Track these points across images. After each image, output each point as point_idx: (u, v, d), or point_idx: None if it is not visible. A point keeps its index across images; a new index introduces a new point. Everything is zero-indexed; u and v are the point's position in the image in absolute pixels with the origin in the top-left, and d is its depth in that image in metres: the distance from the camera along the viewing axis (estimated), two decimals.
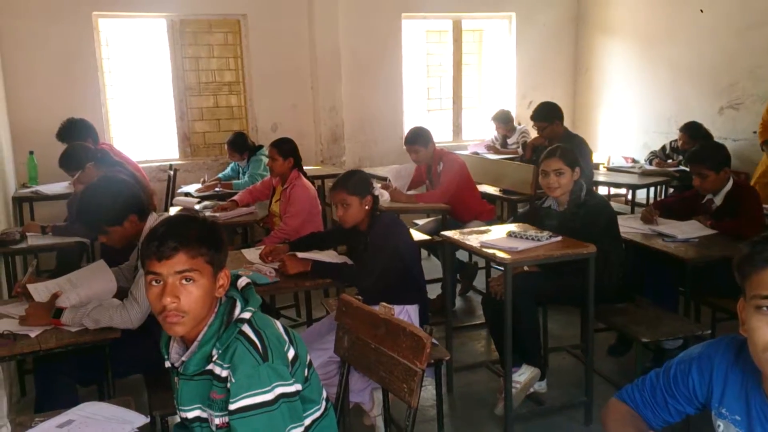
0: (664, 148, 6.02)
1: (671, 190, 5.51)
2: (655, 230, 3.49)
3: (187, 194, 5.21)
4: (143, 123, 6.56)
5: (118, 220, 2.53)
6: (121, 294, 2.51)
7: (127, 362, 2.46)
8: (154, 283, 1.50)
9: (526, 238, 3.06)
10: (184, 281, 1.49)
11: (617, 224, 3.31)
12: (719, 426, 1.32)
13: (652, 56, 6.71)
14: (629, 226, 3.57)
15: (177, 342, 1.61)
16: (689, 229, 3.44)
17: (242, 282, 1.63)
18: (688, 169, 4.24)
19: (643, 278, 3.45)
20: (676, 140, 5.93)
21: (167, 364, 1.62)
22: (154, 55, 6.44)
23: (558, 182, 3.25)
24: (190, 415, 1.59)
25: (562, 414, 3.16)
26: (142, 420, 1.61)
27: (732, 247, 2.97)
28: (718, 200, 3.55)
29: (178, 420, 1.66)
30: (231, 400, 1.46)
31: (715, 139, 5.24)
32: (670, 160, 5.89)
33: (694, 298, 3.36)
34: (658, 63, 6.63)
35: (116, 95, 6.31)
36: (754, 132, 5.59)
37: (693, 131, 5.56)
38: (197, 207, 4.54)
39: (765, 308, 1.12)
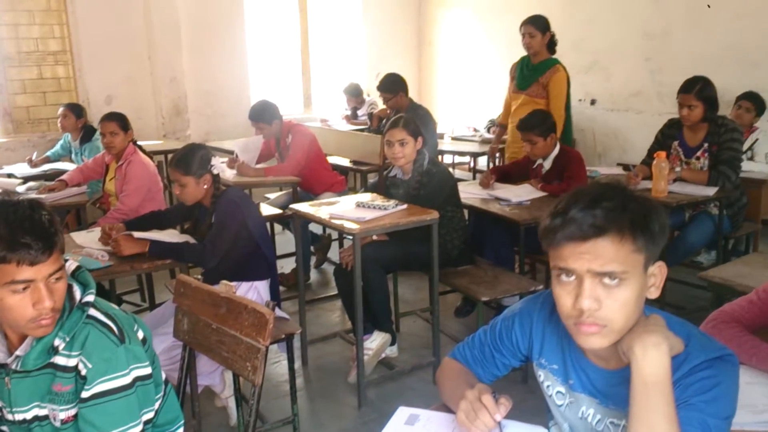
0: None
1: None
2: (492, 194, 3.69)
3: (9, 175, 4.73)
4: None
5: None
6: None
7: None
8: (20, 290, 1.33)
9: (374, 208, 3.11)
10: (54, 280, 1.36)
11: (458, 191, 3.46)
12: (540, 375, 1.42)
13: (489, 29, 7.02)
14: (469, 192, 3.74)
15: None
16: (522, 192, 3.67)
17: (71, 266, 1.52)
18: None
19: (483, 241, 3.64)
20: None
21: None
22: None
23: (402, 152, 3.32)
24: (29, 415, 1.45)
25: (413, 375, 3.28)
26: None
27: None
28: (547, 164, 3.81)
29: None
30: (86, 387, 1.37)
31: None
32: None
33: (529, 256, 3.61)
34: (494, 36, 6.95)
35: None
36: (580, 100, 6.08)
37: None
38: (21, 189, 4.14)
39: (563, 276, 1.19)
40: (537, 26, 4.43)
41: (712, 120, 3.64)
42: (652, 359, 1.12)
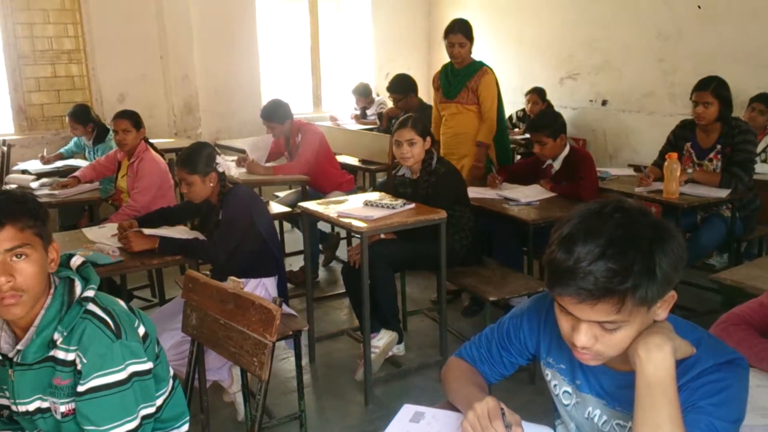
0: (510, 117, 6.35)
1: (518, 156, 5.83)
2: (501, 195, 3.68)
3: (24, 172, 4.78)
4: None
5: None
6: None
7: None
8: None
9: (381, 207, 3.12)
10: (15, 258, 1.37)
11: (466, 190, 3.45)
12: (547, 374, 1.42)
13: (499, 29, 6.99)
14: (477, 192, 3.73)
15: (5, 330, 1.48)
16: (531, 193, 3.65)
17: (76, 261, 1.53)
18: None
19: (491, 241, 3.63)
20: (521, 110, 6.28)
21: None
22: None
23: (410, 152, 3.32)
24: (31, 407, 1.48)
25: (419, 374, 3.27)
26: None
27: (569, 208, 3.19)
28: (557, 165, 3.79)
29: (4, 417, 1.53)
30: (81, 381, 1.39)
31: (556, 108, 5.59)
32: (516, 129, 6.23)
33: (537, 257, 3.59)
34: (505, 36, 6.92)
35: None
36: (591, 101, 6.05)
37: (542, 94, 6.00)
38: (34, 185, 4.19)
39: (561, 309, 1.18)
40: (467, 35, 4.23)
41: (726, 121, 3.60)
42: (656, 360, 1.12)
